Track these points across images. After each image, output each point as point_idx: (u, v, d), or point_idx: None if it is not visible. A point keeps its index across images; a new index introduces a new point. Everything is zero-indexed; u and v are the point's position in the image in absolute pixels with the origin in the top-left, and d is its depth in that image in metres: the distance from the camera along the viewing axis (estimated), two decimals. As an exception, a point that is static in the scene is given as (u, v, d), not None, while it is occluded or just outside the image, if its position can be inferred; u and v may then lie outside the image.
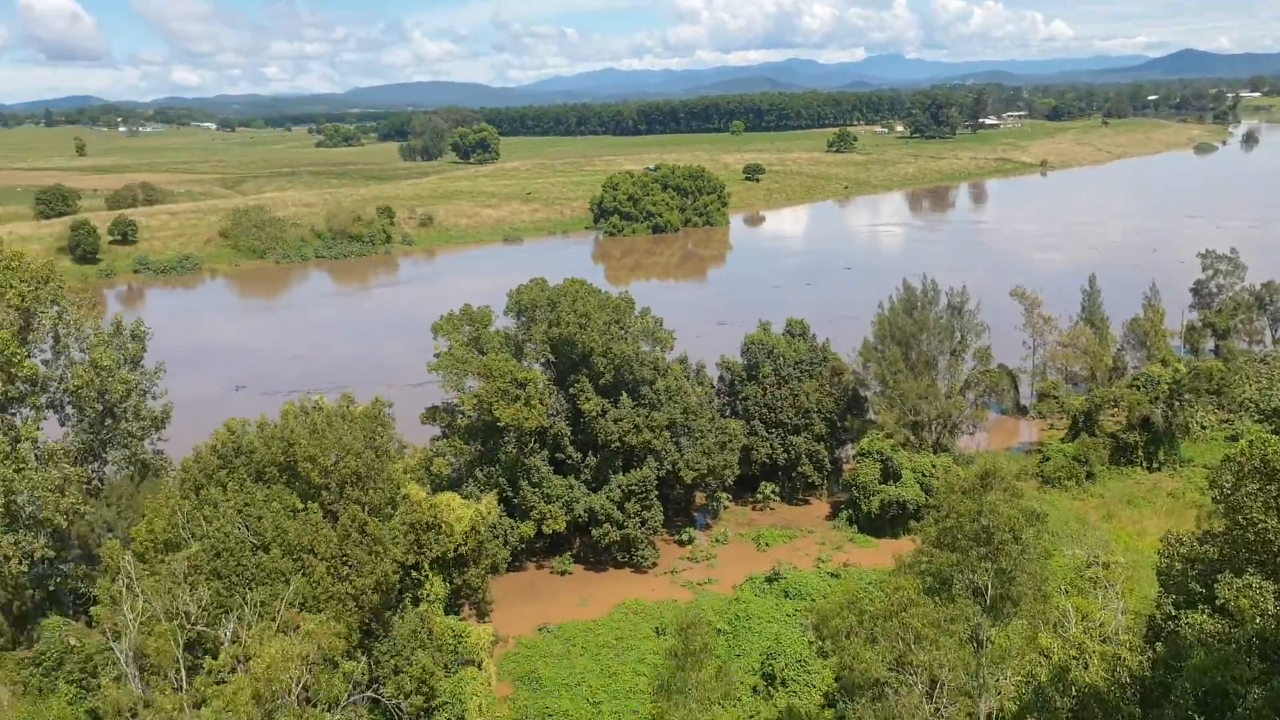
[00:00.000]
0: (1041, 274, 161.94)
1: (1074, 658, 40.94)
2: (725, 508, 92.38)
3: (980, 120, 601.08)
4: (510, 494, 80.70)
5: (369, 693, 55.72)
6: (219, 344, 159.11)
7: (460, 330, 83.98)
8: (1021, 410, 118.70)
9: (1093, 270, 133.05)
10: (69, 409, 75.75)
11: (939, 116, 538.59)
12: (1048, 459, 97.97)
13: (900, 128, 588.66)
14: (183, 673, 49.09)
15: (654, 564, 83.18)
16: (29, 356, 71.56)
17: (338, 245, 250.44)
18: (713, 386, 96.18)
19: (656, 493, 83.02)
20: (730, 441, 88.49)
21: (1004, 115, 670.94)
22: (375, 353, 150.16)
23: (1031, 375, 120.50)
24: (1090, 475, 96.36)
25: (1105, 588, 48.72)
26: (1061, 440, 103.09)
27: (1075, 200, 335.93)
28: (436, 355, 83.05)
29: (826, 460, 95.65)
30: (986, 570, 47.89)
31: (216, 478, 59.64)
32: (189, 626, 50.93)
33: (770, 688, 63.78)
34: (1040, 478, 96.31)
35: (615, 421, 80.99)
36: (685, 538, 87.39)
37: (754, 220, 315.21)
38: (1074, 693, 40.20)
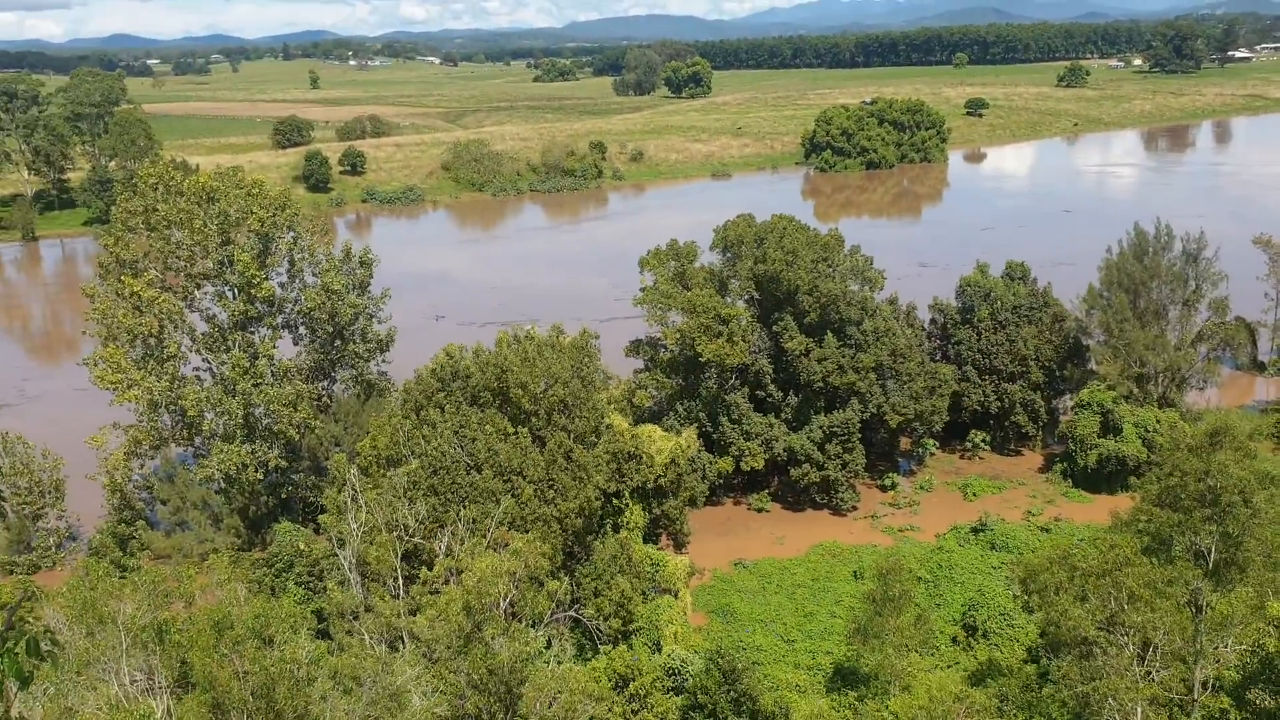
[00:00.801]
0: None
1: (1307, 631, 38.46)
2: (931, 454, 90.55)
3: (1229, 53, 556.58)
4: (710, 429, 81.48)
5: (570, 612, 57.92)
6: (427, 273, 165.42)
7: (666, 265, 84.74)
8: (1260, 366, 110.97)
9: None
10: (302, 329, 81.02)
11: (1182, 49, 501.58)
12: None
13: (1138, 61, 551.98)
14: (400, 581, 52.29)
15: (854, 507, 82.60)
16: (267, 279, 76.70)
17: (551, 179, 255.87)
18: (923, 329, 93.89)
19: (859, 435, 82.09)
20: (940, 386, 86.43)
21: (1258, 47, 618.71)
22: (577, 286, 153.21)
23: (1273, 329, 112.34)
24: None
25: (1346, 560, 45.36)
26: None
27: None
28: (642, 289, 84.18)
29: (1042, 410, 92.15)
30: (1211, 533, 45.38)
31: (435, 400, 62.66)
32: (407, 538, 54.07)
33: (971, 639, 62.66)
34: (1278, 439, 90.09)
35: (819, 361, 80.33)
36: (888, 483, 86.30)
37: (974, 157, 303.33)
38: (1305, 667, 37.83)
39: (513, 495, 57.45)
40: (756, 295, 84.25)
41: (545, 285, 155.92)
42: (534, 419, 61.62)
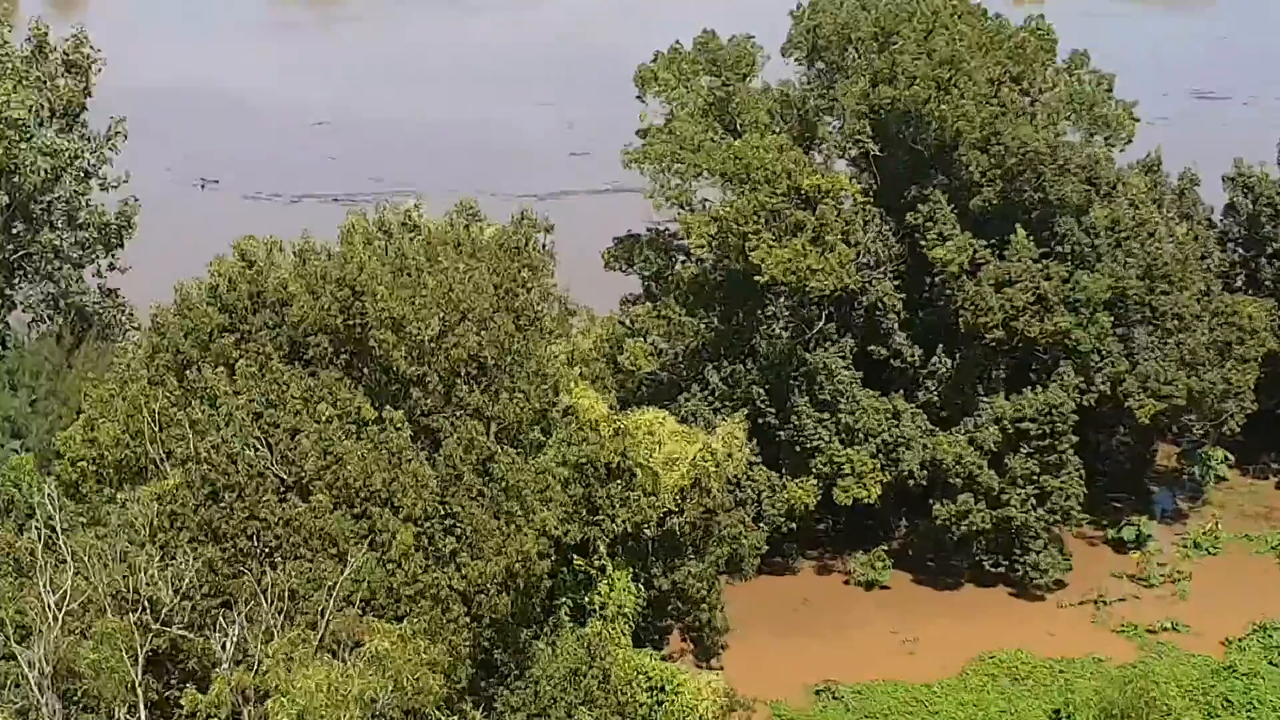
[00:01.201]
0: None
1: None
2: (1220, 479, 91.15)
3: None
4: (773, 418, 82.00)
5: (486, 783, 58.87)
6: (190, 89, 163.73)
7: (692, 83, 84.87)
8: None
9: None
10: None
11: None
12: None
13: None
14: (141, 714, 53.00)
15: (1058, 582, 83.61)
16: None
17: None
18: (1208, 225, 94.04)
19: (1074, 438, 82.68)
20: (1242, 343, 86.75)
21: None
22: (504, 122, 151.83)
23: None
24: None
25: None
26: None
27: None
28: (640, 132, 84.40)
29: None
30: None
31: (216, 349, 62.83)
32: (156, 626, 54.68)
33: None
34: None
35: (997, 287, 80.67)
36: (1128, 535, 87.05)
37: None
38: None
39: (373, 546, 58.02)
40: (876, 149, 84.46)
41: (438, 120, 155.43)
42: (418, 391, 62.05)
